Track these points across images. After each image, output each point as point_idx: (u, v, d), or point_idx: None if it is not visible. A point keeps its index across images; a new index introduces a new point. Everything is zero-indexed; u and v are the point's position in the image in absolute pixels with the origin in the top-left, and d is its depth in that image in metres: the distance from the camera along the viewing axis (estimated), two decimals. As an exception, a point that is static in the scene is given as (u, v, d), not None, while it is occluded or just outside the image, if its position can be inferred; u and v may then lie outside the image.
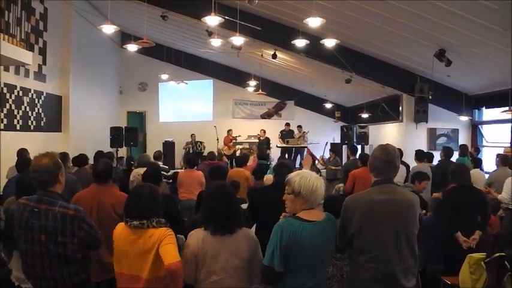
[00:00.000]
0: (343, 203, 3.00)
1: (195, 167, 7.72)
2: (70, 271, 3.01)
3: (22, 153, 6.73)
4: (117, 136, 12.38)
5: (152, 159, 8.34)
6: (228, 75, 17.93)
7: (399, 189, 3.00)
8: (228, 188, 3.23)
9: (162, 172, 7.55)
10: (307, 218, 2.80)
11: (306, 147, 15.57)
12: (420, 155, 8.19)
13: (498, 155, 7.79)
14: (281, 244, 2.73)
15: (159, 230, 3.00)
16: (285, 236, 2.73)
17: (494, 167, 8.16)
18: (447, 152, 8.51)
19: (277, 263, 2.75)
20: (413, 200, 2.98)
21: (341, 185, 8.51)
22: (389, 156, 2.93)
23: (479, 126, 11.86)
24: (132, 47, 10.41)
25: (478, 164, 8.28)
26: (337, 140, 15.59)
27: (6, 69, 8.40)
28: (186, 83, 16.77)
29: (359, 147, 13.50)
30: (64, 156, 6.32)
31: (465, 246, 4.81)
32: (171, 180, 8.27)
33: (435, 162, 8.78)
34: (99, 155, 8.41)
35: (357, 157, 8.95)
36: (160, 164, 8.24)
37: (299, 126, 16.29)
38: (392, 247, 2.79)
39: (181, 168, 11.15)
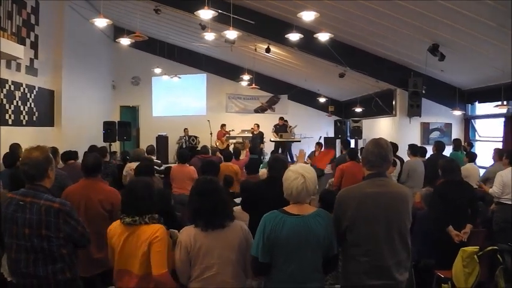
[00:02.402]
0: (336, 197, 3.02)
1: (188, 162, 7.69)
2: (55, 268, 2.94)
3: (13, 148, 6.68)
4: (110, 131, 12.34)
5: (149, 155, 8.31)
6: (222, 69, 17.87)
7: (392, 182, 3.00)
8: (214, 182, 3.19)
9: (154, 167, 7.54)
10: (292, 211, 2.83)
11: (299, 141, 15.61)
12: (413, 150, 8.21)
13: (495, 150, 7.82)
14: (264, 236, 2.79)
15: (152, 227, 2.99)
16: (267, 228, 2.79)
17: (487, 161, 8.21)
18: (439, 146, 8.54)
19: (261, 253, 2.80)
20: (406, 192, 2.99)
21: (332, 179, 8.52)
22: (382, 150, 2.94)
23: (472, 120, 11.92)
24: (125, 41, 10.36)
25: (472, 158, 8.31)
26: (331, 135, 15.62)
27: (-3, 63, 8.34)
28: (180, 77, 16.73)
29: (352, 141, 13.54)
30: (54, 151, 6.27)
31: (457, 240, 4.83)
32: (163, 175, 8.24)
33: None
34: (92, 149, 8.36)
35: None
36: (153, 158, 8.21)
37: (285, 121, 16.26)
38: (385, 240, 2.80)
39: (175, 163, 11.13)
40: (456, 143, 9.64)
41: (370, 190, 2.86)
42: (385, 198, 2.85)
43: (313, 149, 13.39)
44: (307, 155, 12.91)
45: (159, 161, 8.83)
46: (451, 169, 5.24)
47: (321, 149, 12.47)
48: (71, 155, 7.14)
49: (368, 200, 2.83)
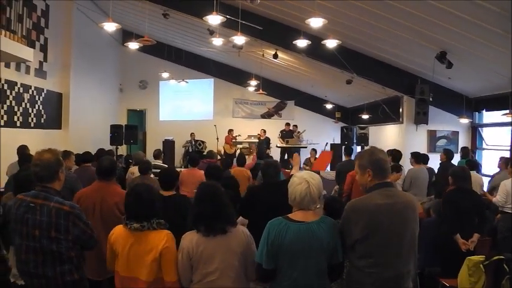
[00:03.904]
0: (345, 208, 2.96)
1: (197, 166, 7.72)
2: (63, 269, 2.98)
3: (23, 150, 6.72)
4: (117, 134, 12.40)
5: (151, 157, 8.34)
6: (229, 74, 17.92)
7: (399, 192, 2.99)
8: (215, 188, 3.20)
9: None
10: (296, 218, 2.84)
11: (305, 147, 15.58)
12: (418, 157, 8.16)
13: (501, 158, 7.78)
14: (268, 242, 2.79)
15: (160, 233, 3.01)
16: (271, 234, 2.80)
17: (494, 170, 8.15)
18: (448, 154, 8.52)
19: (266, 260, 2.81)
20: (414, 201, 2.96)
21: (337, 186, 8.47)
22: (386, 161, 2.94)
23: (479, 128, 11.86)
24: (133, 45, 10.40)
25: (474, 166, 8.25)
26: (337, 141, 15.60)
27: (7, 65, 8.40)
28: (187, 82, 16.79)
29: (359, 148, 13.52)
30: (68, 154, 6.31)
31: (464, 248, 4.82)
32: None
33: (431, 164, 8.74)
34: (100, 152, 8.40)
35: (352, 158, 8.90)
36: (160, 162, 8.22)
37: (295, 126, 16.28)
38: (396, 251, 2.77)
39: (181, 167, 11.16)
40: (464, 151, 9.61)
41: (381, 201, 2.81)
42: (396, 209, 2.81)
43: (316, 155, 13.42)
44: (302, 162, 12.95)
45: (166, 165, 8.83)
46: (464, 177, 5.24)
47: (316, 154, 12.46)
48: (87, 157, 7.12)
49: (381, 212, 2.78)
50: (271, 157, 12.57)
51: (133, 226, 2.99)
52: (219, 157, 11.81)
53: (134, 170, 7.50)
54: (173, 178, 4.68)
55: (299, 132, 15.98)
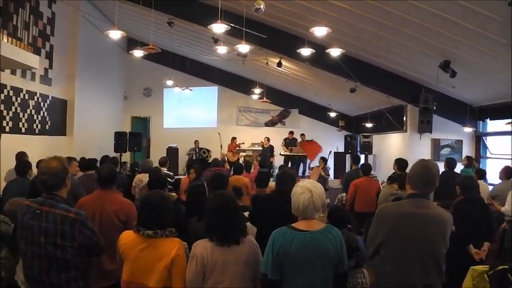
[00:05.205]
0: (376, 212, 3.05)
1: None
2: (69, 276, 2.98)
3: (21, 157, 6.74)
4: (121, 141, 12.40)
5: (157, 165, 8.33)
6: (233, 82, 17.96)
7: (433, 205, 3.00)
8: (232, 198, 3.23)
9: (166, 178, 7.53)
10: (301, 227, 2.85)
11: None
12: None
13: (503, 168, 7.75)
14: (273, 252, 2.80)
15: (172, 241, 3.02)
16: (276, 244, 2.81)
17: (498, 179, 8.13)
18: (450, 163, 8.49)
19: (271, 270, 2.81)
20: (445, 217, 2.97)
21: (344, 194, 8.46)
22: (428, 173, 2.97)
23: (483, 137, 11.83)
24: (138, 53, 10.44)
25: (482, 175, 8.24)
26: (341, 149, 15.57)
27: (13, 72, 8.45)
28: (191, 90, 16.82)
29: (362, 156, 13.49)
30: (69, 160, 6.33)
31: (477, 258, 4.82)
32: (171, 187, 8.22)
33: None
34: (104, 160, 8.40)
35: (359, 166, 8.90)
36: (165, 170, 8.22)
37: (302, 135, 16.27)
38: (416, 261, 2.80)
39: (185, 174, 11.15)
40: (468, 160, 9.59)
41: (409, 210, 2.88)
42: (422, 220, 2.85)
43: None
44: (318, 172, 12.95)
45: (171, 173, 8.83)
46: (471, 187, 5.26)
47: (325, 164, 12.43)
48: (92, 163, 7.14)
49: (405, 219, 2.85)
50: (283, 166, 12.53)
51: (146, 232, 3.00)
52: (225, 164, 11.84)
53: (143, 177, 7.48)
54: (161, 183, 4.78)
55: (307, 141, 15.97)
